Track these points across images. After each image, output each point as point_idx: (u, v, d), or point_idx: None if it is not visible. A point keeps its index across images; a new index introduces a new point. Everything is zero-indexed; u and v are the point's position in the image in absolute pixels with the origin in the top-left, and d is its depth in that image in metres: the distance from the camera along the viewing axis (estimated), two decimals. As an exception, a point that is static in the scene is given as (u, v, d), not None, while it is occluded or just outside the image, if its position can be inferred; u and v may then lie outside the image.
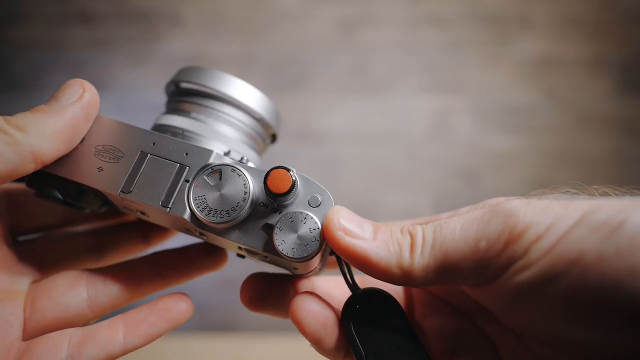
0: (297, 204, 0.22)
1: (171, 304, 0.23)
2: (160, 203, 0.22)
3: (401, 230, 0.21)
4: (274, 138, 0.30)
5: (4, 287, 0.22)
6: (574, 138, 1.06)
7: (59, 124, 0.21)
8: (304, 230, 0.21)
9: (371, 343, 0.22)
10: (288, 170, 0.21)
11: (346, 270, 0.24)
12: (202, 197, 0.22)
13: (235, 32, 1.11)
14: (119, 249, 0.28)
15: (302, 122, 1.04)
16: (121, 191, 0.22)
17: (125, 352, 0.22)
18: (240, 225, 0.22)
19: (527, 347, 0.22)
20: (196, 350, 0.74)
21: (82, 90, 0.22)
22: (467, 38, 1.10)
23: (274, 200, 0.21)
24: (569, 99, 1.08)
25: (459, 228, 0.19)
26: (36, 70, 1.12)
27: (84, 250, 0.26)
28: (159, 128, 0.26)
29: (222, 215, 0.21)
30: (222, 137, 0.25)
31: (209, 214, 0.21)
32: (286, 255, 0.21)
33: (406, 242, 0.20)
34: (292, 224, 0.21)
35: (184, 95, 0.27)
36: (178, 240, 0.29)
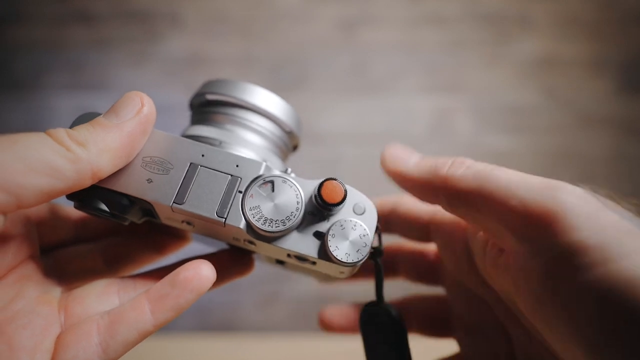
0: (343, 213, 0.23)
1: (191, 274, 0.23)
2: (216, 214, 0.22)
3: (444, 158, 0.24)
4: (295, 148, 0.32)
5: (37, 295, 0.22)
6: (574, 138, 1.06)
7: (117, 140, 0.21)
8: (354, 236, 0.23)
9: (372, 349, 0.26)
10: (338, 181, 0.23)
11: (376, 280, 0.27)
12: (257, 207, 0.23)
13: (235, 32, 1.11)
14: (135, 261, 0.28)
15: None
16: (174, 202, 0.22)
17: (157, 328, 0.22)
18: (293, 233, 0.23)
19: (539, 343, 0.22)
20: (196, 350, 0.74)
21: (140, 105, 0.22)
22: (467, 38, 1.10)
23: (327, 209, 0.23)
24: (569, 99, 1.08)
25: (504, 177, 0.21)
26: (36, 70, 1.12)
27: (101, 263, 0.26)
28: (195, 139, 0.26)
29: (277, 225, 0.22)
30: (256, 147, 0.26)
31: (264, 223, 0.22)
32: (340, 261, 0.22)
33: (448, 161, 0.23)
34: (344, 231, 0.23)
35: (216, 106, 0.27)
36: (190, 249, 0.30)
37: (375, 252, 0.26)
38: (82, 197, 0.23)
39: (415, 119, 1.08)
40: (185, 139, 0.24)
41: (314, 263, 0.23)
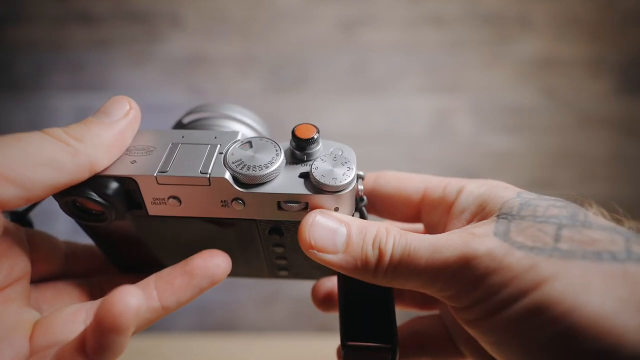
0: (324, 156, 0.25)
1: (205, 263, 0.24)
2: (199, 171, 0.23)
3: (373, 243, 0.22)
4: None
5: (14, 321, 0.22)
6: (574, 138, 1.06)
7: (111, 136, 0.22)
8: (337, 163, 0.24)
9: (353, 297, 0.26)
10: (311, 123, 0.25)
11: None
12: (239, 160, 0.24)
13: (235, 32, 1.12)
14: None
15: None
16: (158, 171, 0.23)
17: (163, 314, 0.23)
18: (277, 179, 0.24)
19: None
20: (196, 350, 0.74)
21: (129, 107, 0.24)
22: (467, 38, 1.10)
23: (303, 148, 0.24)
24: (569, 99, 1.08)
25: (424, 261, 0.21)
26: (36, 70, 1.12)
27: (88, 297, 0.27)
28: (180, 126, 0.28)
29: (260, 168, 0.23)
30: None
31: (248, 169, 0.23)
32: (328, 186, 0.23)
33: (374, 258, 0.22)
34: (325, 163, 0.24)
35: (191, 123, 0.30)
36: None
37: (359, 200, 0.26)
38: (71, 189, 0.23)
39: (415, 119, 1.08)
40: (166, 129, 0.26)
41: (306, 206, 0.24)
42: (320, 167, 0.24)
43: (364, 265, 0.22)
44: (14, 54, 1.12)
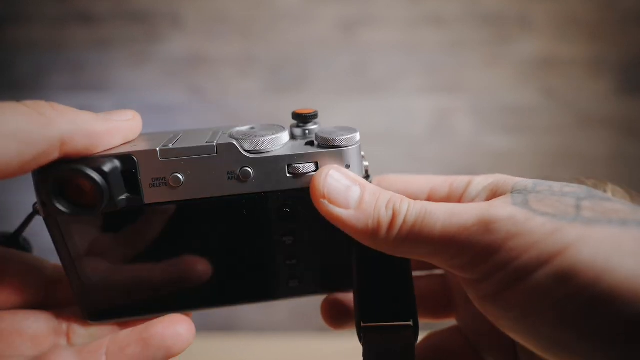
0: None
1: (165, 331, 0.22)
2: (205, 142, 0.23)
3: (387, 204, 0.21)
4: None
5: None
6: (574, 138, 1.06)
7: (99, 126, 0.21)
8: (340, 126, 0.25)
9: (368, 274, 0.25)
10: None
11: None
12: (245, 133, 0.24)
13: (235, 32, 1.11)
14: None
15: None
16: (162, 146, 0.22)
17: None
18: (284, 147, 0.24)
19: None
20: (196, 350, 0.74)
21: (131, 117, 0.24)
22: (467, 38, 1.10)
23: (305, 122, 0.25)
24: (569, 99, 1.08)
25: (440, 224, 0.20)
26: (36, 70, 1.12)
27: (44, 334, 0.24)
28: None
29: (267, 134, 0.23)
30: None
31: (255, 137, 0.23)
32: (337, 140, 0.23)
33: (386, 219, 0.21)
34: (330, 128, 0.24)
35: None
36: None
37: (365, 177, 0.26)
38: (59, 164, 0.21)
39: (415, 119, 1.08)
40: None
41: (316, 168, 0.23)
42: (325, 129, 0.24)
43: (375, 226, 0.21)
44: (14, 54, 1.12)
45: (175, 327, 0.22)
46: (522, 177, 0.24)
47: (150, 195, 0.23)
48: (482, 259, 0.19)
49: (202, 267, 0.25)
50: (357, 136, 0.24)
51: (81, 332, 0.24)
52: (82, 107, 0.22)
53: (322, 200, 0.21)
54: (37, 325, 0.23)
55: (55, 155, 0.20)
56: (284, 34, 1.11)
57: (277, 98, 1.09)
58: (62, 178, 0.21)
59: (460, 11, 1.11)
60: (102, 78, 1.10)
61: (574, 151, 1.05)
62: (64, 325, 0.24)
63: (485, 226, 0.19)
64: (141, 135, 0.25)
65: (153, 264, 0.24)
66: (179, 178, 0.22)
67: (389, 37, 1.11)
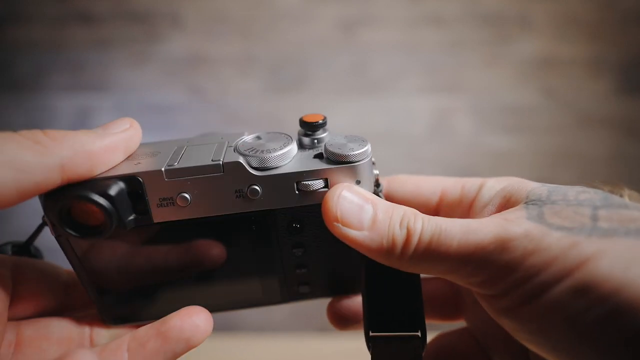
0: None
1: (180, 323, 0.22)
2: (211, 159, 0.22)
3: (400, 222, 0.21)
4: None
5: None
6: (574, 138, 1.06)
7: (97, 145, 0.21)
8: (349, 137, 0.24)
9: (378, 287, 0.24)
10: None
11: None
12: (251, 147, 0.23)
13: (235, 32, 1.11)
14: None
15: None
16: (167, 165, 0.22)
17: None
18: (292, 162, 0.23)
19: None
20: (196, 350, 0.74)
21: (129, 126, 0.23)
22: (467, 38, 1.10)
23: (313, 131, 0.24)
24: (569, 99, 1.08)
25: (456, 242, 0.19)
26: (36, 70, 1.12)
27: (71, 337, 0.25)
28: None
29: (275, 150, 0.22)
30: None
31: (262, 152, 0.22)
32: (347, 155, 0.22)
33: (401, 238, 0.20)
34: (338, 139, 0.24)
35: None
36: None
37: (375, 186, 0.25)
38: (65, 190, 0.21)
39: (415, 119, 1.08)
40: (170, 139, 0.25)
41: (326, 184, 0.22)
42: (334, 142, 0.23)
43: (390, 245, 0.20)
44: (14, 54, 1.12)
45: (192, 318, 0.22)
46: (522, 177, 0.24)
47: (159, 215, 0.23)
48: (500, 276, 0.19)
49: (214, 262, 0.25)
50: (368, 149, 0.23)
51: (103, 334, 0.25)
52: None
53: (335, 223, 0.21)
54: (61, 330, 0.24)
55: (57, 181, 0.20)
56: (284, 34, 1.11)
57: (277, 98, 1.09)
58: (69, 206, 0.21)
59: (460, 11, 1.11)
60: (102, 78, 1.10)
61: (574, 151, 1.05)
62: (87, 328, 0.25)
63: (502, 244, 0.19)
64: (142, 146, 0.24)
65: (167, 272, 0.25)
66: (186, 198, 0.22)
67: (389, 37, 1.11)
